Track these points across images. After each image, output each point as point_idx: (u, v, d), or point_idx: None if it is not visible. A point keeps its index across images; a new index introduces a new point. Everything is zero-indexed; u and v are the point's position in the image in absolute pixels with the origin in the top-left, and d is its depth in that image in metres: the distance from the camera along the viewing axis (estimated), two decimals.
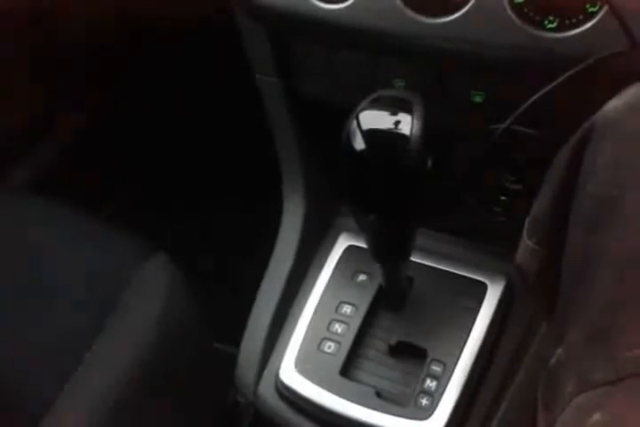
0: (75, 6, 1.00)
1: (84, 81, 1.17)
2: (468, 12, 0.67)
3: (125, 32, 1.10)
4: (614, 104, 0.52)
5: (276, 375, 0.91)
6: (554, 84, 0.63)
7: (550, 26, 0.65)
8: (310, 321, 0.92)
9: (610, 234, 0.48)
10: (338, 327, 0.90)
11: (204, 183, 1.40)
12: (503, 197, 0.88)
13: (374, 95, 0.64)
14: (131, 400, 0.77)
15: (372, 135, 0.61)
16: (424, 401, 0.84)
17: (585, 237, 0.50)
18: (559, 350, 0.51)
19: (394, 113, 0.62)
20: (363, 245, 0.82)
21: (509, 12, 0.66)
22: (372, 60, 0.78)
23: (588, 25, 0.64)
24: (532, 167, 0.63)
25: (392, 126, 0.61)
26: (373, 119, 0.62)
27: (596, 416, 0.43)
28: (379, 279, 0.90)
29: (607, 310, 0.47)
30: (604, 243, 0.48)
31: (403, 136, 0.60)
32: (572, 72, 0.62)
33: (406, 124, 0.60)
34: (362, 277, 0.94)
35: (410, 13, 0.70)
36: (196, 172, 1.40)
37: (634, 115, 0.50)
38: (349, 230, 0.98)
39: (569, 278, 0.52)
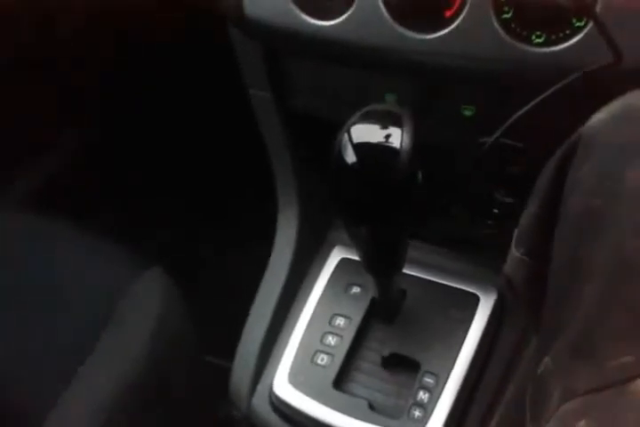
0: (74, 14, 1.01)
1: (84, 92, 1.18)
2: (456, 27, 0.68)
3: (123, 42, 1.11)
4: (600, 117, 0.53)
5: (270, 388, 0.91)
6: (541, 97, 0.64)
7: (538, 40, 0.66)
8: (304, 334, 0.92)
9: (595, 245, 0.48)
10: (331, 340, 0.90)
11: (199, 197, 1.40)
12: (495, 210, 0.89)
13: (365, 109, 0.65)
14: (123, 414, 0.77)
15: (362, 149, 0.62)
16: (417, 413, 0.84)
17: (570, 248, 0.51)
18: (546, 359, 0.51)
19: (384, 127, 0.63)
20: (356, 257, 0.82)
21: (497, 27, 0.67)
22: (364, 74, 0.79)
23: (575, 39, 0.65)
24: (523, 180, 0.64)
25: (382, 140, 0.62)
26: (364, 133, 0.63)
27: (582, 424, 0.43)
28: (372, 292, 0.91)
29: (593, 320, 0.47)
30: (590, 254, 0.48)
31: (393, 149, 0.61)
32: (558, 86, 0.63)
33: (396, 137, 0.61)
34: (355, 290, 0.94)
35: (400, 29, 0.71)
36: (193, 184, 1.40)
37: (619, 127, 0.51)
38: (343, 243, 0.98)
39: (555, 289, 0.53)
